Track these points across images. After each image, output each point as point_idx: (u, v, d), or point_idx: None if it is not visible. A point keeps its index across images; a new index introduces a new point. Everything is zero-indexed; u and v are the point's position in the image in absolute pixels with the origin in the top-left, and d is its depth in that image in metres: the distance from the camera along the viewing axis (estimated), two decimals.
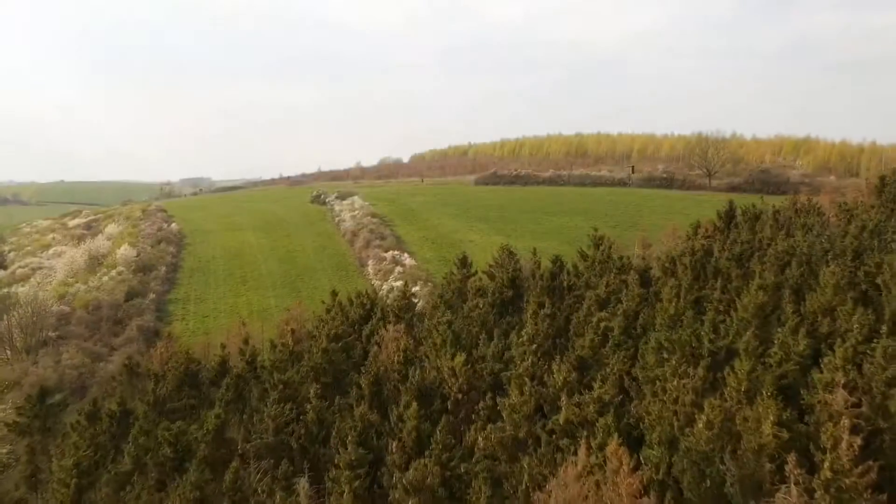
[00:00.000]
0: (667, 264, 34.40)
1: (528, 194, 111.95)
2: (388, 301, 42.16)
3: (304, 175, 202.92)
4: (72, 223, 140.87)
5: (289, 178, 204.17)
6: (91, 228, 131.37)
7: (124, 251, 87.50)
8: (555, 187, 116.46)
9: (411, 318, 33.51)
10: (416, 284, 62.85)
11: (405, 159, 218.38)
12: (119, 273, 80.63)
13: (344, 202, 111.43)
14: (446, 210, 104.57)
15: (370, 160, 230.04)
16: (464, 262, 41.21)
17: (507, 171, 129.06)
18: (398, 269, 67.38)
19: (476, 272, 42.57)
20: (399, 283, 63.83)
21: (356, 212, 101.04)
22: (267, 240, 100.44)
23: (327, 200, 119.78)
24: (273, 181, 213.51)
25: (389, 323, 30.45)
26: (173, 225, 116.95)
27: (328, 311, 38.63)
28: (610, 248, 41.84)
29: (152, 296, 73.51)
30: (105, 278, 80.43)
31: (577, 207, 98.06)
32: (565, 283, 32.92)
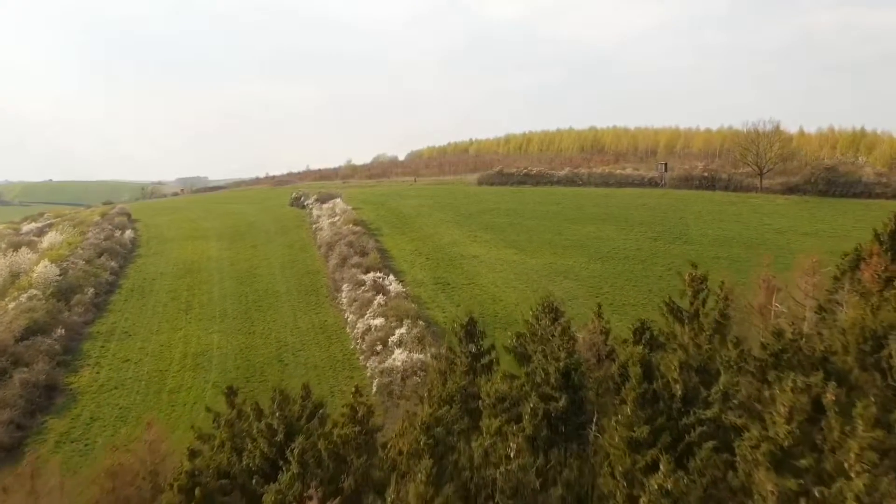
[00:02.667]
0: (862, 343, 17.76)
1: (542, 196, 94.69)
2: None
3: (290, 174, 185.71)
4: (26, 228, 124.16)
5: (274, 177, 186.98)
6: (43, 234, 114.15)
7: (44, 269, 70.17)
8: (573, 188, 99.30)
9: (366, 465, 16.18)
10: (400, 324, 45.72)
11: (401, 157, 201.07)
12: (30, 298, 63.47)
13: (324, 206, 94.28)
14: (444, 215, 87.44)
15: (366, 159, 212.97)
16: (470, 333, 23.44)
17: (514, 170, 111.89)
18: (379, 298, 50.23)
19: (493, 347, 24.86)
20: (378, 322, 46.79)
21: (336, 218, 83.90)
22: (230, 251, 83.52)
23: (306, 203, 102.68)
24: (258, 180, 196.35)
25: (311, 485, 13.50)
26: (127, 232, 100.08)
27: (205, 437, 19.87)
28: (727, 301, 24.47)
29: (61, 331, 56.32)
30: (12, 305, 63.42)
31: (604, 213, 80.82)
32: (678, 393, 16.08)
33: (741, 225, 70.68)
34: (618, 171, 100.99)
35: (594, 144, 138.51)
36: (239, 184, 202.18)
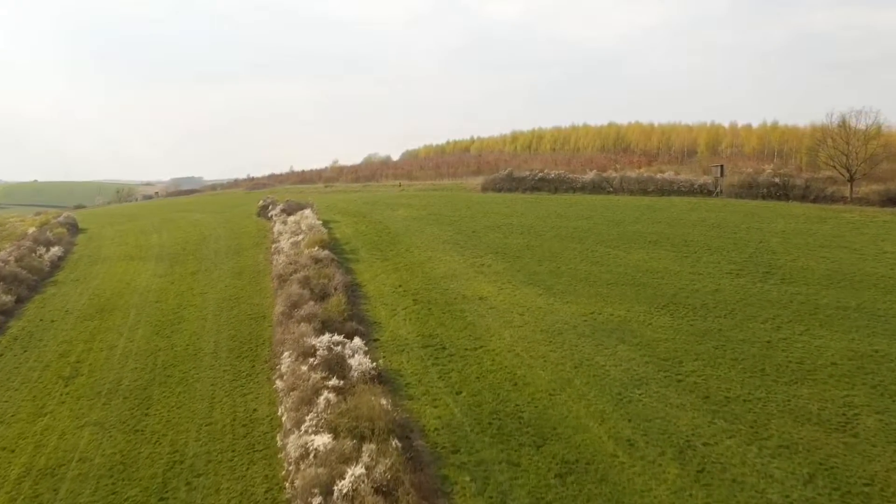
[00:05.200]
0: None
1: (565, 207, 75.16)
2: None
3: (271, 176, 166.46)
4: None
5: (253, 178, 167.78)
6: None
7: None
8: (602, 196, 79.97)
9: None
10: (359, 450, 26.23)
11: (395, 157, 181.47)
12: None
13: (290, 218, 74.96)
14: (441, 232, 68.11)
15: (359, 160, 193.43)
16: None
17: (527, 172, 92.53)
18: (329, 394, 30.58)
19: None
20: (322, 441, 27.32)
21: (300, 236, 64.59)
22: (163, 279, 64.46)
23: (272, 215, 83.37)
24: (236, 182, 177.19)
25: None
26: (54, 249, 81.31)
27: None
28: None
29: None
30: None
31: (652, 232, 61.33)
32: None
33: (853, 253, 51.17)
34: (658, 176, 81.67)
35: (617, 143, 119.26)
36: (215, 186, 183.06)
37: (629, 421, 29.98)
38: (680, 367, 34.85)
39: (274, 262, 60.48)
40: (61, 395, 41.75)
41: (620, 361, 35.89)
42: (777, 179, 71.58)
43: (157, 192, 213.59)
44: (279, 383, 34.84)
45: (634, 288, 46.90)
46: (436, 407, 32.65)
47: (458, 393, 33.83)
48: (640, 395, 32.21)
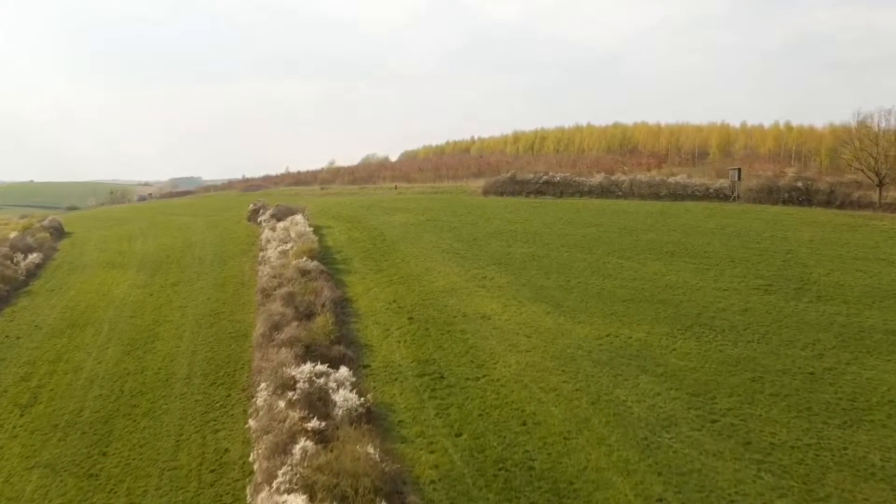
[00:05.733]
0: None
1: (572, 213, 70.67)
2: None
3: (266, 177, 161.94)
4: None
5: (248, 180, 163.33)
6: None
7: None
8: (611, 200, 75.48)
9: None
10: None
11: (393, 157, 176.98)
12: None
13: (279, 224, 70.55)
14: (440, 240, 63.68)
15: (356, 160, 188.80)
16: None
17: (531, 175, 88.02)
18: (306, 443, 26.15)
19: None
20: None
21: (289, 245, 60.17)
22: (142, 290, 60.13)
23: (261, 219, 78.98)
24: (230, 184, 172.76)
25: None
26: (32, 256, 76.91)
27: None
28: None
29: None
30: None
31: (669, 241, 56.82)
32: None
33: (892, 266, 46.56)
34: (670, 179, 77.24)
35: (623, 143, 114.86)
36: (208, 188, 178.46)
37: (659, 474, 25.53)
38: (713, 403, 30.37)
39: (259, 274, 56.10)
40: (14, 427, 37.38)
41: (644, 396, 31.42)
42: (799, 183, 67.08)
43: (150, 194, 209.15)
44: (252, 423, 30.39)
45: (653, 306, 42.42)
46: (432, 453, 28.19)
47: (459, 435, 29.38)
48: (669, 439, 27.74)
